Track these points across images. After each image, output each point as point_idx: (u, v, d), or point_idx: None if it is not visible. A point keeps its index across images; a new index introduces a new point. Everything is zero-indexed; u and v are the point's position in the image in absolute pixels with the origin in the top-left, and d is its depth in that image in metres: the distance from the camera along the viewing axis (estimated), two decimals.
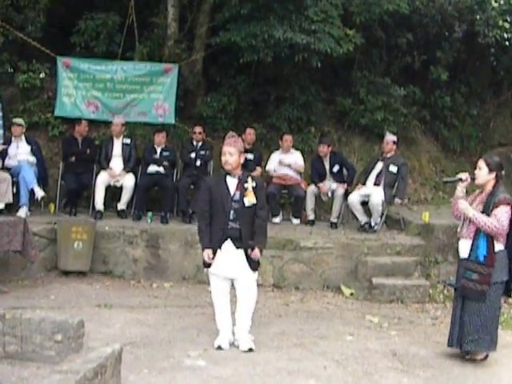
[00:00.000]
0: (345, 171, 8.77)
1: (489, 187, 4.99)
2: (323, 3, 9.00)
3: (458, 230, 5.15)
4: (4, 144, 8.02)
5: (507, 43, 10.85)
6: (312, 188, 8.69)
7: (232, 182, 5.03)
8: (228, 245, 4.99)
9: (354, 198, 8.19)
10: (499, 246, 4.91)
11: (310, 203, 8.70)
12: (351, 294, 7.21)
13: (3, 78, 9.67)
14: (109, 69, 9.49)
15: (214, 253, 5.02)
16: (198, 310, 6.28)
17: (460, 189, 5.11)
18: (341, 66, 10.41)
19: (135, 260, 7.60)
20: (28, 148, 8.29)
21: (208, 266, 5.08)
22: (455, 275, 5.34)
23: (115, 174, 8.43)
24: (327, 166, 8.74)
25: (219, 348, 5.04)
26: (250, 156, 8.76)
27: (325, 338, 5.54)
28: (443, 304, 6.97)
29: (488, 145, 11.72)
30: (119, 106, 9.50)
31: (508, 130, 12.14)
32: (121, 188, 8.43)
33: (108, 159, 8.58)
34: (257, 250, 4.98)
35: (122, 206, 8.42)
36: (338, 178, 8.69)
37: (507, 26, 10.42)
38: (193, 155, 8.75)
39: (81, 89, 9.46)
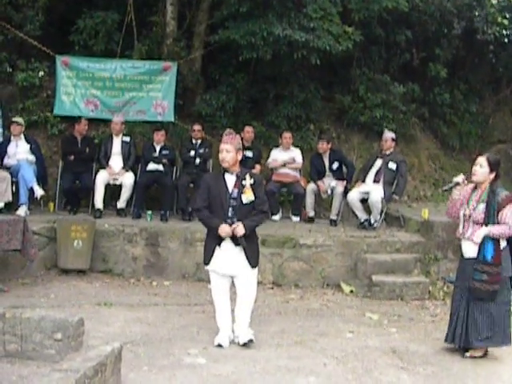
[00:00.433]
0: (344, 168, 8.78)
1: (485, 184, 4.99)
2: (322, 0, 8.99)
3: (460, 230, 5.11)
4: (2, 142, 8.03)
5: (506, 40, 10.88)
6: (311, 185, 8.69)
7: (230, 179, 5.03)
8: (227, 242, 4.99)
9: (354, 195, 8.19)
10: (503, 243, 4.95)
11: (309, 201, 8.70)
12: (351, 292, 7.21)
13: (2, 76, 9.65)
14: (108, 67, 9.50)
15: (213, 249, 5.02)
16: (198, 307, 6.29)
17: (457, 192, 5.10)
18: (340, 63, 10.40)
19: (135, 258, 7.60)
20: (27, 147, 8.28)
21: (208, 263, 5.09)
22: (455, 272, 5.37)
23: (114, 172, 8.44)
24: (326, 164, 8.74)
25: (219, 346, 5.04)
26: (249, 154, 8.76)
27: (325, 336, 5.54)
28: (443, 301, 6.97)
29: (487, 142, 11.74)
30: (118, 105, 9.51)
31: (507, 127, 12.15)
32: (120, 186, 8.43)
33: (107, 157, 8.58)
34: (241, 226, 4.88)
35: (121, 204, 8.43)
36: (338, 175, 8.69)
37: (506, 22, 10.44)
38: (192, 153, 8.75)
39: (80, 87, 9.47)
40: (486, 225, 4.89)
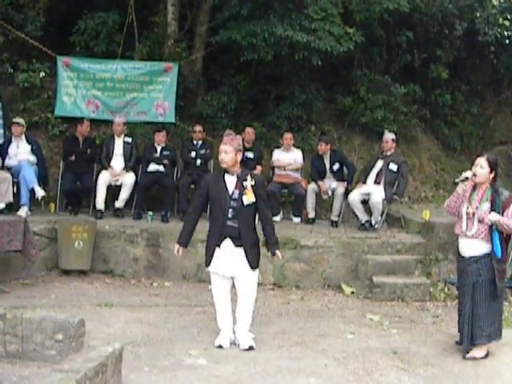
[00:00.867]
0: (345, 169, 8.77)
1: (486, 184, 5.07)
2: (323, 1, 8.99)
3: (463, 228, 5.10)
4: (3, 143, 8.03)
5: (507, 41, 10.86)
6: (312, 186, 8.69)
7: (230, 180, 5.02)
8: (227, 243, 4.99)
9: (355, 196, 8.18)
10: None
11: (310, 202, 8.70)
12: (352, 293, 7.21)
13: (3, 77, 9.64)
14: (109, 68, 9.49)
15: (213, 251, 5.02)
16: (199, 308, 6.29)
17: (463, 187, 5.14)
18: (341, 64, 10.40)
19: (136, 259, 7.60)
20: (28, 147, 8.28)
21: (208, 264, 5.08)
22: (456, 273, 5.40)
23: (115, 173, 8.43)
24: (327, 165, 8.74)
25: (220, 347, 5.04)
26: (250, 155, 8.77)
27: (325, 337, 5.54)
28: (444, 302, 6.98)
29: (488, 143, 11.71)
30: (119, 106, 9.50)
31: (508, 128, 12.13)
32: (121, 187, 8.43)
33: (109, 158, 8.58)
34: (277, 253, 5.16)
35: (119, 203, 8.36)
36: (339, 176, 8.69)
37: (507, 24, 10.43)
38: (193, 154, 8.75)
39: (81, 88, 9.46)
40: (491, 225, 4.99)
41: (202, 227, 5.35)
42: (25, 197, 7.78)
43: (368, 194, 8.14)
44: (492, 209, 4.96)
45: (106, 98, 9.50)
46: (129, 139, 8.75)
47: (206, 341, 5.20)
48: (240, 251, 4.98)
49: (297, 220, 8.70)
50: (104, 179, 8.33)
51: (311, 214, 8.72)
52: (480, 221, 5.00)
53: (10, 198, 7.66)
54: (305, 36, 8.58)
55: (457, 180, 5.26)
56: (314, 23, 8.78)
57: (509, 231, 4.96)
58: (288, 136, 8.94)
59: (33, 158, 8.25)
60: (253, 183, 5.00)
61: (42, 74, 9.55)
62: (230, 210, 4.96)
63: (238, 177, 5.02)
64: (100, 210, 8.20)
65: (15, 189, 7.79)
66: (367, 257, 7.41)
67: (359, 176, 8.69)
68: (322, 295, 7.16)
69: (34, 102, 9.46)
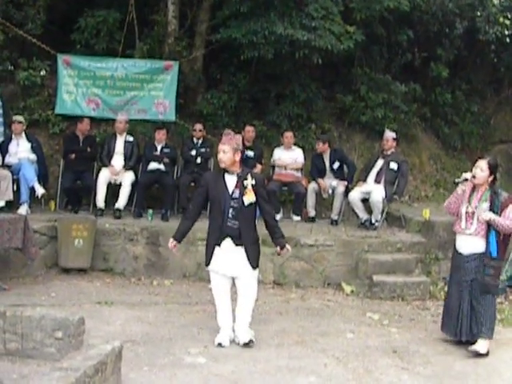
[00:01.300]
0: (345, 168, 8.77)
1: (485, 185, 5.21)
2: (323, 0, 8.98)
3: (462, 225, 5.24)
4: (3, 141, 8.03)
5: (508, 40, 10.85)
6: (312, 185, 8.69)
7: (230, 180, 5.01)
8: (227, 242, 4.99)
9: (355, 195, 8.18)
10: None
11: (310, 200, 8.69)
12: (352, 291, 7.21)
13: (3, 75, 9.65)
14: (109, 66, 9.47)
15: (213, 250, 5.02)
16: (199, 307, 6.29)
17: (463, 187, 5.26)
18: (341, 62, 10.39)
19: (136, 257, 7.60)
20: (28, 145, 8.29)
21: (208, 263, 5.08)
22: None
23: (116, 171, 8.43)
24: (327, 163, 8.73)
25: (220, 345, 5.04)
26: (250, 153, 8.76)
27: (325, 336, 5.54)
28: (444, 301, 6.96)
29: (489, 142, 11.71)
30: (120, 104, 9.48)
31: (509, 127, 12.12)
32: (120, 185, 8.42)
33: (110, 156, 8.57)
34: (287, 246, 5.20)
35: (119, 204, 8.29)
36: (339, 174, 8.69)
37: (508, 22, 10.42)
38: (193, 152, 8.74)
39: (81, 86, 9.44)
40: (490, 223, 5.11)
41: (203, 225, 5.35)
42: (25, 195, 7.79)
43: (368, 193, 8.14)
44: (491, 209, 5.11)
45: (106, 96, 9.48)
46: (130, 138, 8.74)
47: (206, 339, 5.20)
48: (240, 250, 4.98)
49: (297, 218, 8.69)
50: (104, 177, 8.33)
51: (311, 213, 8.71)
52: (480, 220, 5.13)
53: (10, 196, 7.67)
54: (305, 34, 8.58)
55: (456, 181, 5.32)
56: (314, 21, 8.77)
57: (503, 231, 5.08)
58: (288, 135, 8.94)
59: (33, 156, 8.26)
60: (253, 182, 4.99)
61: (43, 72, 9.56)
62: (230, 210, 4.96)
63: (238, 176, 5.01)
64: (100, 209, 8.20)
65: (15, 187, 7.80)
66: (367, 255, 7.40)
67: (359, 175, 8.68)
68: (321, 294, 7.16)
69: (34, 100, 9.46)
